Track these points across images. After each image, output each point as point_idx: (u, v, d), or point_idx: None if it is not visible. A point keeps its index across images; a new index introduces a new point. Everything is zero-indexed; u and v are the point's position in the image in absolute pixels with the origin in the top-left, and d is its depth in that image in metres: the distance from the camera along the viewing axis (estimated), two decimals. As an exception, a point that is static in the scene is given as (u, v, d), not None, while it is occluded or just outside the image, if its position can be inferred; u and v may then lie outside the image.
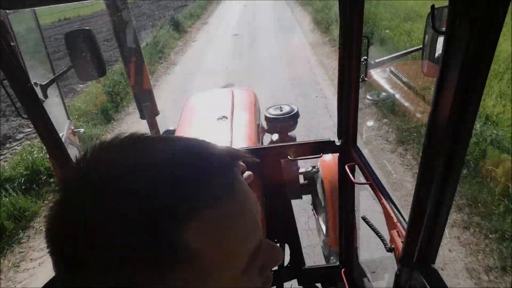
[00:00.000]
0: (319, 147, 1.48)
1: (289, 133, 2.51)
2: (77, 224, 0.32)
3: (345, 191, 1.55)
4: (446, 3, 0.52)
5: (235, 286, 0.36)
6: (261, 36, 9.76)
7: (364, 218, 1.22)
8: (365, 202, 1.97)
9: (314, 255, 2.53)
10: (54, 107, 1.48)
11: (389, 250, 1.01)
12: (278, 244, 1.74)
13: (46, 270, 2.83)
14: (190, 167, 0.34)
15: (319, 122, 4.50)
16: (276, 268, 1.72)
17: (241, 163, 0.83)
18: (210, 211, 0.33)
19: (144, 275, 0.31)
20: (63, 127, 1.49)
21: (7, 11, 1.07)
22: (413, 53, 1.39)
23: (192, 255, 0.32)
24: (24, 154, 4.24)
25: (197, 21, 13.48)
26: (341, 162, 1.47)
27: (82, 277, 0.32)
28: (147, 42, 8.90)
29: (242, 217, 0.36)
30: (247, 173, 0.85)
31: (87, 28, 1.42)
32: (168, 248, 0.31)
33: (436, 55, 1.01)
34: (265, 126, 2.49)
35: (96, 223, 0.31)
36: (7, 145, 5.13)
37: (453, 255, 2.49)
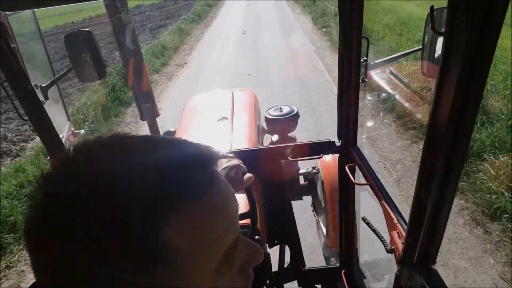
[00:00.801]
0: (319, 148, 1.48)
1: (289, 134, 2.51)
2: (53, 225, 0.32)
3: (345, 192, 1.55)
4: (446, 3, 0.52)
5: (213, 285, 0.37)
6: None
7: (364, 219, 1.22)
8: (366, 203, 1.97)
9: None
10: (54, 108, 1.48)
11: (389, 251, 1.01)
12: (278, 246, 1.74)
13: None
14: (168, 165, 0.35)
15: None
16: (276, 269, 1.71)
17: (242, 165, 0.83)
18: (187, 209, 0.34)
19: (121, 273, 0.31)
20: (63, 128, 1.49)
21: (7, 12, 1.07)
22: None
23: (168, 252, 0.32)
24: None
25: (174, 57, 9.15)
26: (341, 163, 1.46)
27: (61, 277, 0.32)
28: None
29: (218, 215, 0.37)
30: (247, 175, 0.85)
31: (87, 29, 1.42)
32: (143, 246, 0.31)
33: (436, 55, 1.01)
34: (265, 127, 2.49)
35: (73, 222, 0.31)
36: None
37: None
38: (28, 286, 0.53)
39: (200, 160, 0.37)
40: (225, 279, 0.38)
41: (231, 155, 0.36)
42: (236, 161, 0.80)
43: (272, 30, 10.67)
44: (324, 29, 9.34)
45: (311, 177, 2.28)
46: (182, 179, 0.34)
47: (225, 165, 0.79)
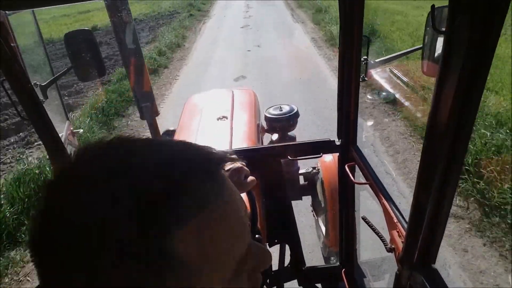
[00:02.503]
0: (319, 147, 1.48)
1: (289, 133, 2.51)
2: (59, 231, 0.31)
3: (345, 191, 1.55)
4: (446, 3, 0.52)
5: None
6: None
7: (364, 218, 1.22)
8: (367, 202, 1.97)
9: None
10: (53, 107, 1.48)
11: (389, 250, 1.01)
12: (278, 245, 1.74)
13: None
14: (175, 174, 0.33)
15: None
16: (276, 268, 1.72)
17: (245, 168, 0.83)
18: (196, 219, 0.32)
19: (130, 281, 0.30)
20: (62, 127, 1.49)
21: (7, 12, 1.07)
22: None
23: (178, 262, 0.31)
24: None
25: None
26: (341, 162, 1.46)
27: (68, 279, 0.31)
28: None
29: (228, 222, 0.35)
30: (250, 178, 0.84)
31: (86, 28, 1.42)
32: (154, 256, 0.30)
33: (436, 54, 1.01)
34: (265, 126, 2.49)
35: (78, 228, 0.30)
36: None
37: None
38: None
39: (207, 166, 0.35)
40: (234, 284, 0.37)
41: (235, 157, 0.35)
42: (239, 164, 0.79)
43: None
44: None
45: (311, 177, 2.28)
46: (190, 188, 0.33)
47: (228, 167, 0.78)
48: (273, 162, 1.54)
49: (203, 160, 0.36)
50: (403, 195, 3.02)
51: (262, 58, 7.38)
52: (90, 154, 0.35)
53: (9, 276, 2.75)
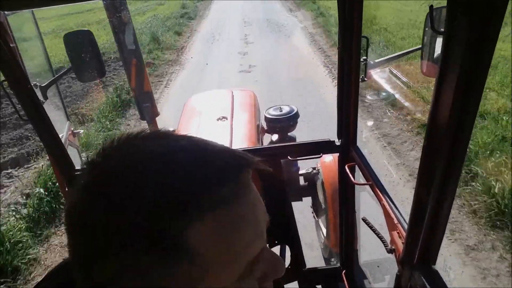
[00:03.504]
0: (319, 147, 1.47)
1: (289, 134, 2.51)
2: (92, 209, 0.34)
3: (345, 192, 1.55)
4: (445, 3, 0.52)
5: None
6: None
7: (364, 219, 1.22)
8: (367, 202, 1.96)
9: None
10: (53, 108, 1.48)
11: (390, 251, 1.01)
12: (278, 246, 1.74)
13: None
14: (204, 169, 0.35)
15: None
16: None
17: None
18: (215, 214, 0.34)
19: (145, 264, 0.33)
20: (62, 128, 1.49)
21: (6, 12, 1.07)
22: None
23: (192, 253, 0.33)
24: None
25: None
26: (341, 162, 1.46)
27: (93, 260, 0.34)
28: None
29: (246, 223, 0.37)
30: None
31: (86, 29, 1.42)
32: (170, 243, 0.33)
33: (435, 55, 1.01)
34: (265, 127, 2.49)
35: (108, 209, 0.33)
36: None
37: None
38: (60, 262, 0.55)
39: (237, 168, 0.37)
40: (244, 286, 0.38)
41: (264, 167, 0.36)
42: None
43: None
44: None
45: (311, 178, 2.28)
46: (215, 186, 0.35)
47: None
48: (273, 162, 1.54)
49: (233, 162, 0.38)
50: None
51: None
52: (131, 142, 0.38)
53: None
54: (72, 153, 1.43)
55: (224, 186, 0.35)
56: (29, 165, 4.24)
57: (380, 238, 1.11)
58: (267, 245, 0.42)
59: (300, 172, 2.34)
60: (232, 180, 0.36)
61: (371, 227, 1.19)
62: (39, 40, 1.67)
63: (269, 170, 0.41)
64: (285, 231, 1.72)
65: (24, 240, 2.95)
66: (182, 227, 0.33)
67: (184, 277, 0.34)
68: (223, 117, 2.13)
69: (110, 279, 0.34)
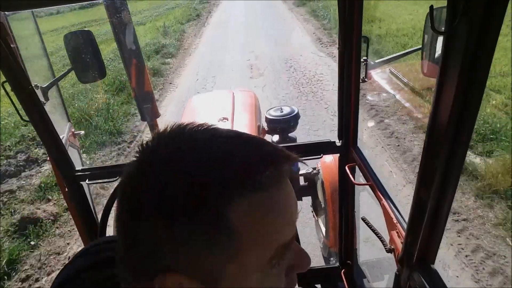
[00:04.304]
0: (320, 148, 1.47)
1: (290, 134, 2.51)
2: (145, 182, 0.38)
3: (345, 192, 1.55)
4: (445, 3, 0.52)
5: (261, 274, 0.40)
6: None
7: (363, 219, 1.22)
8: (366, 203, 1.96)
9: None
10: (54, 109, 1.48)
11: (389, 251, 1.01)
12: None
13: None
14: (249, 155, 0.40)
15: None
16: None
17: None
18: (255, 196, 0.38)
19: (188, 231, 0.36)
20: (63, 129, 1.49)
21: (7, 13, 1.07)
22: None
23: (231, 228, 0.37)
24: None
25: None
26: (342, 163, 1.46)
27: (139, 225, 0.38)
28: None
29: (281, 209, 0.40)
30: None
31: (87, 29, 1.42)
32: (215, 214, 0.36)
33: (436, 55, 1.01)
34: (266, 127, 2.49)
35: (160, 183, 0.37)
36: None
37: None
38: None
39: (278, 159, 0.41)
40: (273, 272, 0.41)
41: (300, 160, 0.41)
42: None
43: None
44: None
45: (311, 178, 2.28)
46: (257, 171, 0.38)
47: None
48: None
49: (275, 152, 0.42)
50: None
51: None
52: (184, 130, 0.42)
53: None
54: (73, 153, 1.43)
55: (266, 172, 0.38)
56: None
57: (380, 237, 1.11)
58: None
59: (300, 172, 2.34)
60: (273, 167, 0.39)
61: (370, 227, 1.19)
62: (39, 40, 1.67)
63: (295, 173, 0.43)
64: None
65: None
66: (226, 202, 0.36)
67: (220, 250, 0.37)
68: (224, 118, 2.13)
69: (155, 242, 0.37)
